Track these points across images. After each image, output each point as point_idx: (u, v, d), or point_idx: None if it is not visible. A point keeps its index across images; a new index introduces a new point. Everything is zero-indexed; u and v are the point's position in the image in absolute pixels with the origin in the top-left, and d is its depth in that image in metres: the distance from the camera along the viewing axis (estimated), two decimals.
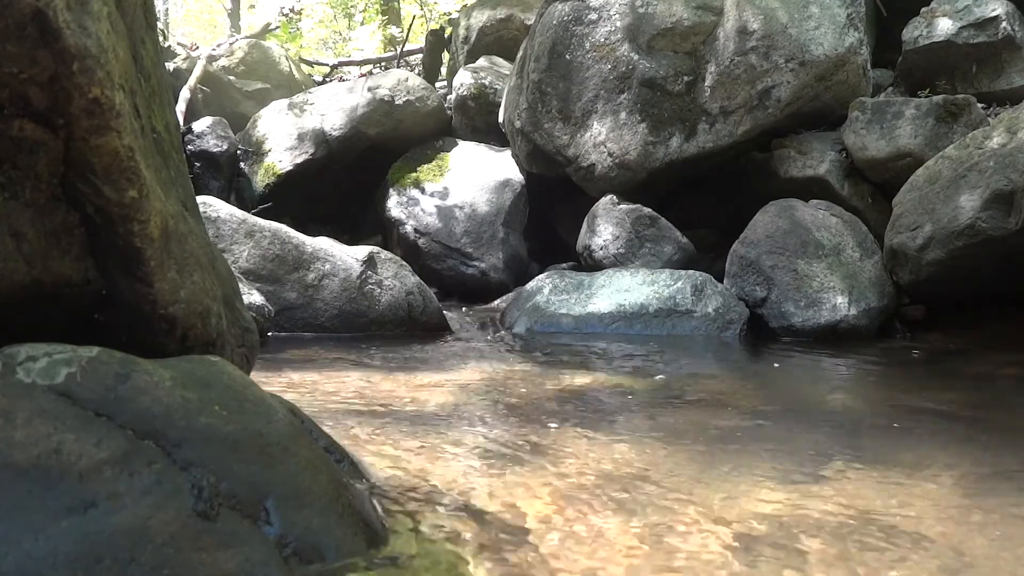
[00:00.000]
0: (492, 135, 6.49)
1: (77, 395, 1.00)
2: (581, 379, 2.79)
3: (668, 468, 1.70)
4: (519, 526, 1.32)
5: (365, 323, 3.89)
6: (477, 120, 6.74)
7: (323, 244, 4.02)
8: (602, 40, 5.23)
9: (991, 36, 4.95)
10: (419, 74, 7.89)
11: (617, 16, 5.20)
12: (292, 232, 3.99)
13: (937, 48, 5.07)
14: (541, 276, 4.67)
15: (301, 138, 6.56)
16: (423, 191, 6.06)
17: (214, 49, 8.49)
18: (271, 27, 9.72)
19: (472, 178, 6.07)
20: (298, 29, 10.74)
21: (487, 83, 6.73)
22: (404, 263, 4.24)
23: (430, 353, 3.44)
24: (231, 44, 8.67)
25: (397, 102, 6.56)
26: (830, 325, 3.97)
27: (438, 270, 5.67)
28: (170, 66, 7.51)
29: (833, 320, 3.97)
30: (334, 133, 6.50)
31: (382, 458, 1.68)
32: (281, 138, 6.63)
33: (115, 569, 0.88)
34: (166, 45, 8.14)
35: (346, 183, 6.64)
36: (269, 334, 3.53)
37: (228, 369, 1.21)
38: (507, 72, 6.67)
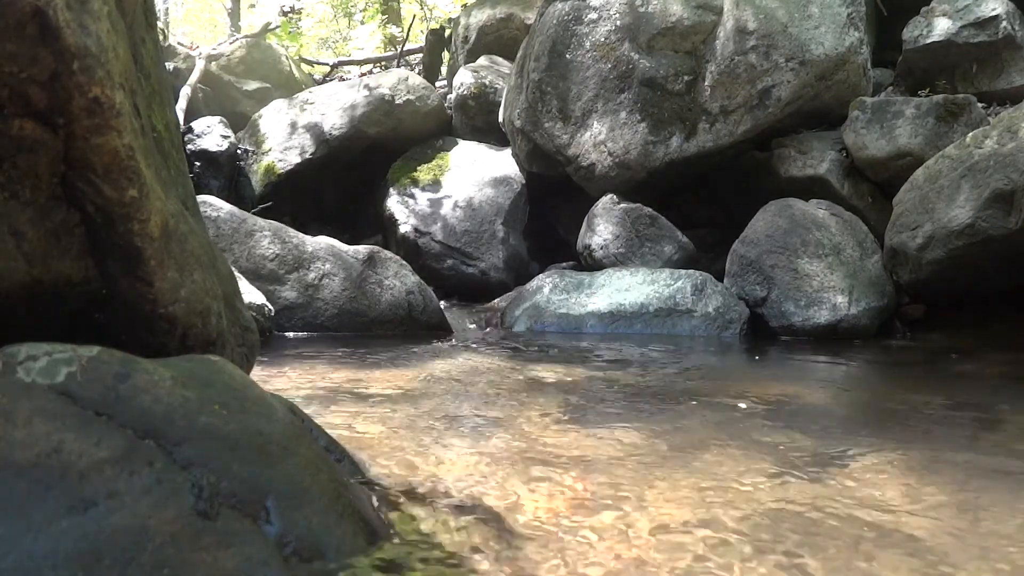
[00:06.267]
0: (492, 134, 6.50)
1: (77, 394, 0.99)
2: (582, 379, 2.80)
3: (672, 467, 1.70)
4: (522, 524, 1.32)
5: (365, 322, 3.89)
6: (477, 119, 6.73)
7: (323, 243, 4.02)
8: (602, 39, 5.23)
9: (991, 35, 4.95)
10: (419, 73, 7.89)
11: (617, 15, 5.20)
12: (292, 231, 4.00)
13: (937, 47, 5.07)
14: (541, 275, 4.67)
15: (301, 137, 6.56)
16: (423, 190, 6.07)
17: (214, 48, 8.49)
18: (271, 27, 9.71)
19: (472, 177, 6.07)
20: (298, 28, 10.73)
21: (487, 82, 6.73)
22: (404, 262, 4.24)
23: (430, 352, 3.44)
24: (231, 43, 8.67)
25: (397, 101, 6.56)
26: (830, 324, 3.97)
27: (438, 269, 5.67)
28: (170, 65, 7.51)
29: (833, 319, 3.97)
30: (334, 132, 6.50)
31: (383, 456, 1.68)
32: (281, 137, 6.63)
33: (115, 568, 0.88)
34: (166, 44, 8.13)
35: (346, 182, 6.64)
36: (269, 334, 3.53)
37: (228, 368, 1.21)
38: (507, 71, 6.68)
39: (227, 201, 4.22)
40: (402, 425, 2.02)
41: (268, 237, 3.86)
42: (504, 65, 7.05)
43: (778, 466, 1.73)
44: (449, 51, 8.64)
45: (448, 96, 7.26)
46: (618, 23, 5.19)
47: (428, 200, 5.98)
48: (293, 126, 6.65)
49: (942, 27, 5.05)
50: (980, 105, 4.59)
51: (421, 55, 8.99)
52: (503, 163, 6.14)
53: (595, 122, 5.23)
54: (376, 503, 1.33)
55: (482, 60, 7.30)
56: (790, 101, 4.84)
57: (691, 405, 2.43)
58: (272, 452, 1.10)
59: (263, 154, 6.63)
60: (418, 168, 6.27)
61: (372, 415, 2.12)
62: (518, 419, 2.14)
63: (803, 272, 4.10)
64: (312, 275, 3.85)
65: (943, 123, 4.43)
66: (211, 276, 1.39)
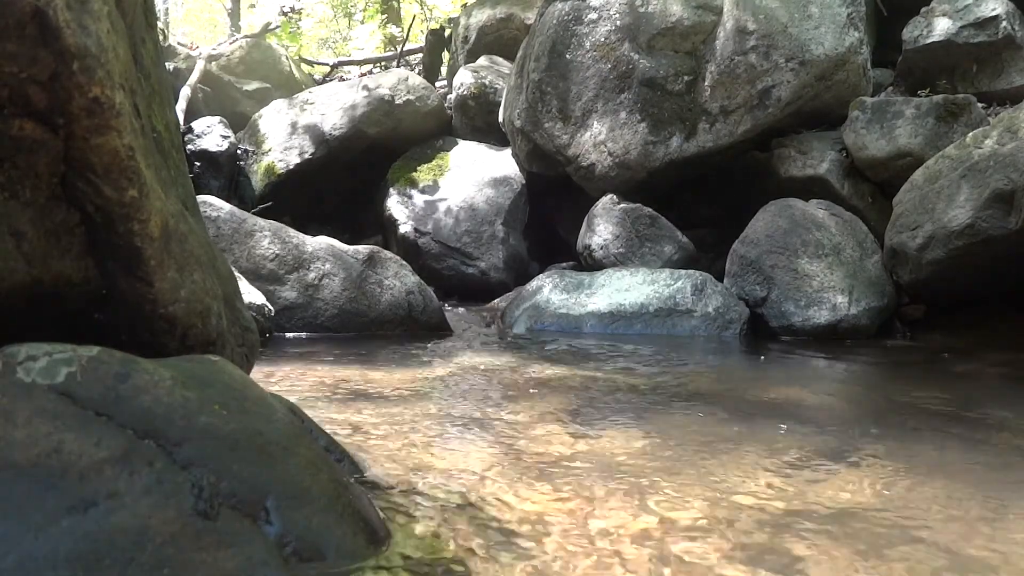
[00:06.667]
0: (492, 134, 6.50)
1: (77, 394, 0.99)
2: (583, 380, 2.80)
3: (675, 467, 1.70)
4: (522, 524, 1.32)
5: (365, 323, 3.89)
6: (477, 119, 6.74)
7: (323, 243, 4.02)
8: (602, 40, 5.23)
9: (991, 35, 4.95)
10: (419, 73, 7.89)
11: (617, 16, 5.20)
12: (292, 232, 3.99)
13: (937, 47, 5.07)
14: (541, 276, 4.67)
15: (301, 138, 6.56)
16: (423, 191, 6.07)
17: (214, 48, 8.49)
18: (271, 27, 9.72)
19: (472, 177, 6.07)
20: (298, 28, 10.74)
21: (487, 82, 6.73)
22: (404, 263, 4.24)
23: (430, 353, 3.44)
24: (231, 43, 8.67)
25: (397, 101, 6.56)
26: (830, 324, 3.97)
27: (438, 269, 5.67)
28: (170, 66, 7.51)
29: (833, 320, 3.97)
30: (334, 132, 6.50)
31: (383, 457, 1.68)
32: (281, 138, 6.63)
33: (115, 568, 0.88)
34: (166, 44, 8.13)
35: (346, 183, 6.64)
36: (269, 334, 3.53)
37: (228, 368, 1.21)
38: (507, 71, 6.68)
39: (227, 201, 4.22)
40: (402, 425, 2.02)
41: (268, 237, 3.86)
42: (504, 65, 7.05)
43: (781, 466, 1.73)
44: (449, 51, 8.64)
45: (448, 96, 7.26)
46: (618, 23, 5.19)
47: (428, 200, 5.99)
48: (293, 126, 6.65)
49: (942, 27, 5.05)
50: (980, 105, 4.59)
51: (421, 55, 9.00)
52: (503, 163, 6.14)
53: (595, 122, 5.23)
54: (376, 503, 1.33)
55: (482, 60, 7.30)
56: (790, 101, 4.84)
57: (692, 405, 2.43)
58: (272, 452, 1.10)
59: (263, 154, 6.63)
60: (418, 168, 6.28)
61: (372, 415, 2.12)
62: (519, 420, 2.14)
63: (803, 272, 4.10)
64: (312, 275, 3.85)
65: (943, 123, 4.43)
66: (211, 276, 1.39)
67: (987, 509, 1.51)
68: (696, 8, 5.07)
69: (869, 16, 5.22)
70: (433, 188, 6.07)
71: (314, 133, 6.54)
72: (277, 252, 3.84)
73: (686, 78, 5.05)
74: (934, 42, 5.06)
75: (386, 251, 4.24)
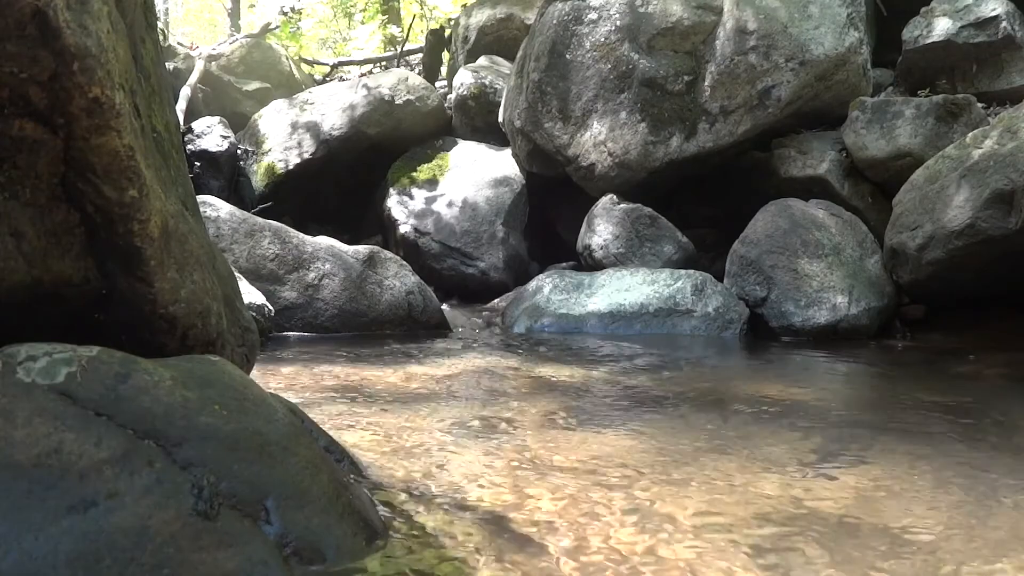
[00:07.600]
0: (492, 134, 6.49)
1: (77, 395, 1.00)
2: (582, 379, 2.80)
3: (675, 467, 1.70)
4: (520, 525, 1.32)
5: (365, 323, 3.89)
6: (477, 120, 6.73)
7: (323, 244, 4.02)
8: (602, 40, 5.23)
9: (991, 36, 4.94)
10: (419, 73, 7.89)
11: (617, 16, 5.20)
12: (292, 231, 3.99)
13: (937, 48, 5.07)
14: (541, 276, 4.67)
15: (301, 138, 6.56)
16: (423, 190, 6.07)
17: (214, 48, 8.49)
18: (271, 27, 9.71)
19: (472, 177, 6.07)
20: (298, 28, 10.73)
21: (487, 82, 6.73)
22: (404, 263, 4.24)
23: (430, 353, 3.44)
24: (231, 43, 8.67)
25: (397, 101, 6.56)
26: (830, 325, 3.97)
27: (438, 270, 5.67)
28: (170, 66, 7.50)
29: (833, 320, 3.97)
30: (334, 133, 6.49)
31: (382, 457, 1.68)
32: (281, 138, 6.62)
33: (115, 568, 0.88)
34: (166, 44, 8.13)
35: (346, 183, 6.64)
36: (269, 334, 3.53)
37: (228, 369, 1.21)
38: (507, 72, 6.67)
39: (227, 201, 4.22)
40: (402, 425, 2.02)
41: (268, 237, 3.86)
42: (504, 65, 7.05)
43: (782, 466, 1.73)
44: (449, 51, 8.64)
45: (448, 96, 7.25)
46: (618, 23, 5.19)
47: (428, 200, 5.98)
48: (293, 126, 6.64)
49: (942, 27, 5.05)
50: (980, 105, 4.58)
51: (421, 55, 8.99)
52: (503, 163, 6.13)
53: (595, 122, 5.23)
54: (376, 503, 1.33)
55: (482, 60, 7.30)
56: (790, 101, 4.84)
57: (692, 406, 2.43)
58: (272, 452, 1.10)
59: (263, 154, 6.63)
60: (418, 168, 6.27)
61: (372, 415, 2.12)
62: (518, 420, 2.14)
63: (803, 272, 4.10)
64: (312, 275, 3.85)
65: (943, 123, 4.43)
66: (211, 276, 1.39)
67: (984, 506, 1.51)
68: (696, 8, 5.07)
69: (869, 16, 5.22)
70: (433, 188, 6.07)
71: (314, 133, 6.54)
72: (277, 252, 3.84)
73: (686, 78, 5.05)
74: (934, 42, 5.06)
75: (386, 251, 4.25)
